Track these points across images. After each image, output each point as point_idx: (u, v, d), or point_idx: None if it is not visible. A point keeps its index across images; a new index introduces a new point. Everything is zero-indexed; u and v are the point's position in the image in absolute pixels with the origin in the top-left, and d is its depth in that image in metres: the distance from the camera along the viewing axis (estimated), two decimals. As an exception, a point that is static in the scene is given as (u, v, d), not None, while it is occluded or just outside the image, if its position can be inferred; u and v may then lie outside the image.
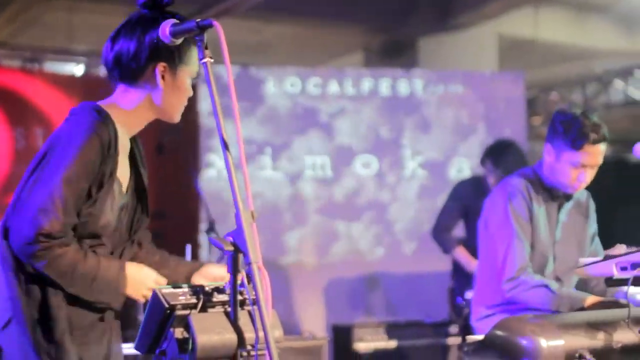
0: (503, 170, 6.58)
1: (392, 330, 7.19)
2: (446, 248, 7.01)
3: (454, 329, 7.20)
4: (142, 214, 3.10)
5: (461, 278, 6.80)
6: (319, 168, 8.63)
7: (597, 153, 4.19)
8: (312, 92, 8.68)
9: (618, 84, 12.64)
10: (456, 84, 9.08)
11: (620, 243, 6.20)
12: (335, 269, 8.59)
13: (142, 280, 2.83)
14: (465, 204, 6.92)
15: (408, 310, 8.07)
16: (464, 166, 8.86)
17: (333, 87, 8.74)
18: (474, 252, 6.56)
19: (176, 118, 3.06)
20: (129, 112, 3.00)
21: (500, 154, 6.84)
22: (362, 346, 7.06)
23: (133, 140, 3.10)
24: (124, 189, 2.99)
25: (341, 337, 7.24)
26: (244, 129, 8.40)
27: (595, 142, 4.16)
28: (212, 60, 2.45)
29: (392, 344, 7.14)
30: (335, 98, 8.73)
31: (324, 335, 6.83)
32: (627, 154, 16.67)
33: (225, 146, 2.35)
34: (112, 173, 2.90)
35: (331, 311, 8.42)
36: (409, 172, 8.85)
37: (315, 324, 7.82)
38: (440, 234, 7.04)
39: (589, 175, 4.25)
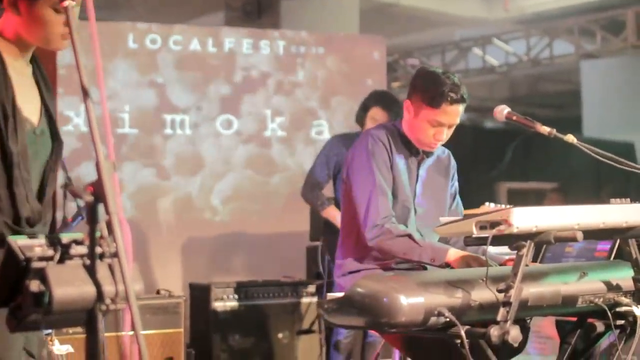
0: (392, 118, 6.40)
1: (250, 289, 7.19)
2: (318, 206, 6.72)
3: (311, 288, 7.24)
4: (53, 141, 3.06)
5: (332, 237, 6.61)
6: (179, 126, 8.52)
7: (454, 113, 4.22)
8: (173, 49, 8.55)
9: (476, 51, 12.88)
10: (317, 46, 9.07)
11: (474, 205, 6.33)
12: (193, 228, 8.52)
13: None
14: (337, 160, 6.66)
15: (267, 270, 8.06)
16: (324, 128, 8.87)
17: (194, 45, 8.63)
18: None
19: (56, 47, 2.94)
20: (10, 38, 2.91)
21: (391, 101, 6.60)
22: (219, 305, 7.04)
23: (34, 61, 3.01)
24: (35, 115, 2.92)
25: (199, 295, 7.22)
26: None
27: (454, 102, 4.18)
28: (73, 4, 2.36)
29: (250, 303, 7.15)
30: (196, 56, 8.62)
31: (181, 293, 6.79)
32: (483, 120, 17.06)
33: (86, 93, 2.26)
34: (13, 101, 2.82)
35: (189, 270, 8.36)
36: (269, 133, 8.82)
37: (172, 283, 7.74)
38: (311, 191, 6.75)
39: (445, 134, 4.29)
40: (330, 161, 6.71)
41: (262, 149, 8.78)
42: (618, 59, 14.32)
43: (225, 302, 7.06)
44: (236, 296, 7.12)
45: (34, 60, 3.03)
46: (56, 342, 4.53)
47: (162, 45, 8.52)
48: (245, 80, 8.77)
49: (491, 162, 14.45)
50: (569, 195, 12.46)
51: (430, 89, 4.19)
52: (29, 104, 2.91)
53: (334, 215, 6.53)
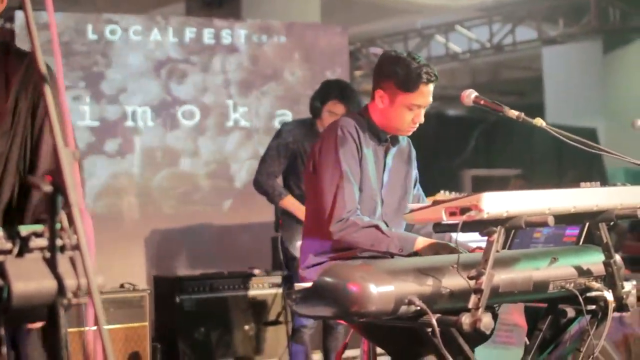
0: (350, 111, 6.21)
1: (215, 281, 7.13)
2: (273, 196, 6.44)
3: (276, 279, 7.18)
4: None
5: (290, 228, 6.47)
6: (140, 117, 8.42)
7: (429, 92, 4.18)
8: (133, 39, 8.44)
9: (439, 38, 12.87)
10: (279, 35, 9.00)
11: (451, 192, 6.36)
12: (156, 221, 8.42)
13: None
14: (294, 148, 6.47)
15: (232, 262, 7.99)
16: (287, 118, 8.80)
17: (154, 35, 8.53)
18: (299, 200, 6.40)
19: None
20: None
21: (350, 92, 6.41)
22: (184, 298, 6.97)
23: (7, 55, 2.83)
24: None
25: (163, 288, 7.15)
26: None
27: (429, 81, 4.14)
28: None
29: (215, 295, 7.08)
30: (157, 47, 8.52)
31: (146, 287, 6.71)
32: (446, 108, 17.07)
33: (44, 80, 2.18)
34: None
35: (152, 263, 8.28)
36: (232, 124, 8.74)
37: (136, 276, 7.65)
38: (267, 181, 6.46)
39: (422, 116, 4.25)
40: (287, 150, 6.49)
41: (224, 140, 8.70)
42: (579, 44, 14.36)
43: (190, 295, 6.99)
44: (201, 288, 7.05)
45: (7, 55, 2.85)
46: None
47: (122, 36, 8.41)
48: (207, 70, 8.68)
49: (455, 149, 14.46)
50: (532, 181, 12.49)
51: (402, 73, 4.13)
52: None
53: (293, 205, 6.35)
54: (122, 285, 6.46)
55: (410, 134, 4.35)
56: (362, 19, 12.50)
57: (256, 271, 7.32)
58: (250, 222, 8.40)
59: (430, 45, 13.01)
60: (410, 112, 4.18)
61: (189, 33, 8.66)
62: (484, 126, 14.41)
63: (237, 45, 8.81)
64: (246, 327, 7.16)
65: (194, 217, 8.55)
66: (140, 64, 8.46)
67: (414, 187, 4.56)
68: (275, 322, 7.24)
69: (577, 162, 12.92)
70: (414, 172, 4.56)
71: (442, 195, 6.01)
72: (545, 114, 15.78)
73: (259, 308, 7.24)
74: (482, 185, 13.33)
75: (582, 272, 3.71)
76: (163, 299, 7.12)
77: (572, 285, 3.66)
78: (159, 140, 8.46)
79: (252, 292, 7.21)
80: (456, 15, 12.65)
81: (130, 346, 6.23)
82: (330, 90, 6.42)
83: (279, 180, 6.59)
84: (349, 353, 7.07)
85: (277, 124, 8.72)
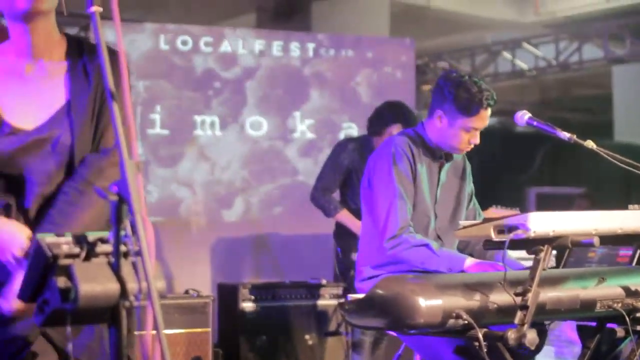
0: None
1: (278, 290, 7.25)
2: (329, 210, 6.69)
3: (337, 289, 7.28)
4: None
5: (347, 240, 6.63)
6: (209, 127, 8.58)
7: (488, 116, 4.32)
8: (204, 51, 8.62)
9: (506, 55, 12.87)
10: (347, 49, 9.12)
11: (503, 207, 6.46)
12: (222, 229, 8.57)
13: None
14: (348, 164, 6.69)
15: (293, 271, 8.11)
16: (353, 131, 8.91)
17: (225, 47, 8.69)
18: (355, 214, 6.56)
19: None
20: None
21: (412, 118, 6.57)
22: (247, 305, 7.10)
23: (80, 56, 2.93)
24: (33, 118, 2.83)
25: (227, 296, 7.28)
26: (133, 87, 8.30)
27: (489, 106, 4.27)
28: (100, 10, 2.41)
29: (277, 304, 7.20)
30: (226, 58, 8.68)
31: (210, 294, 6.86)
32: (513, 124, 17.03)
33: (111, 96, 2.33)
34: None
35: (218, 271, 8.42)
36: (298, 135, 8.87)
37: (201, 283, 7.81)
38: (322, 196, 6.71)
39: (477, 137, 4.36)
40: (341, 165, 6.72)
41: (292, 151, 8.83)
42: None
43: (253, 303, 7.11)
44: (264, 297, 7.18)
45: (79, 56, 2.91)
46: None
47: (193, 47, 8.59)
48: (275, 81, 8.82)
49: (521, 166, 14.44)
50: (597, 201, 12.43)
51: (464, 97, 4.24)
52: (28, 105, 2.84)
53: (348, 218, 6.56)
54: (186, 292, 6.62)
55: (464, 152, 4.45)
56: (430, 33, 12.55)
57: (323, 281, 7.44)
58: (315, 232, 8.50)
59: (497, 61, 13.01)
60: (468, 133, 4.29)
61: (258, 45, 8.81)
62: (550, 143, 14.35)
63: (305, 57, 8.93)
64: (307, 336, 7.27)
65: (260, 226, 8.68)
66: (209, 74, 8.62)
67: (470, 202, 4.64)
68: (336, 333, 7.33)
69: (645, 183, 12.80)
70: (469, 187, 4.64)
71: (493, 209, 6.11)
72: (614, 132, 15.67)
73: (319, 318, 7.34)
74: (546, 203, 13.30)
75: (630, 293, 3.76)
76: (226, 306, 7.26)
77: (619, 305, 3.71)
78: (222, 149, 8.61)
79: (313, 302, 7.33)
80: (523, 32, 12.63)
81: (192, 351, 6.38)
82: (393, 114, 6.60)
83: (336, 195, 6.78)
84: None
85: (342, 136, 8.83)
